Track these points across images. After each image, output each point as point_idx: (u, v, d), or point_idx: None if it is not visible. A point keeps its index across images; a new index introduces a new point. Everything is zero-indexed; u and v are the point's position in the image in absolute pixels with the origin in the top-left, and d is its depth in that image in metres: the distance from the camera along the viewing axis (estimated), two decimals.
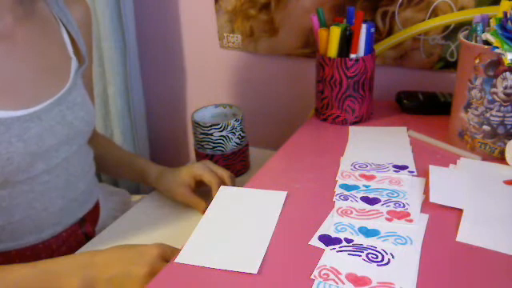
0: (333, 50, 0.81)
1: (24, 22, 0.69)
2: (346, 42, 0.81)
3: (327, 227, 0.58)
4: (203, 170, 0.80)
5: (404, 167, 0.70)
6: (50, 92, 0.70)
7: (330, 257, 0.53)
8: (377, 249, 0.53)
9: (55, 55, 0.73)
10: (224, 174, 0.80)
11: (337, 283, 0.49)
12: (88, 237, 0.80)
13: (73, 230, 0.77)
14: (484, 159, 0.71)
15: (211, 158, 0.87)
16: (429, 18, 0.89)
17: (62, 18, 0.75)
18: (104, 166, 0.92)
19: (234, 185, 0.80)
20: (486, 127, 0.70)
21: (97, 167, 0.86)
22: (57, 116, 0.69)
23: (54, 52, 0.73)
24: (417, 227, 0.57)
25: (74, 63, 0.75)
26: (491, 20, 0.68)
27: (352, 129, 0.84)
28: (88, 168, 0.81)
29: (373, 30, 0.82)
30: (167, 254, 0.62)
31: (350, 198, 0.63)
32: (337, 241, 0.55)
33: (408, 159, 0.72)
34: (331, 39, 0.81)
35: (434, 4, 0.88)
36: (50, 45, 0.73)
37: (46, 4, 0.74)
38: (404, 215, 0.59)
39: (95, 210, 0.84)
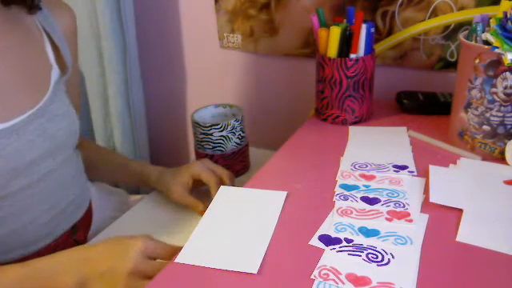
0: (333, 50, 0.81)
1: (1, 31, 0.66)
2: (346, 42, 0.81)
3: (327, 227, 0.58)
4: (201, 169, 0.79)
5: (404, 167, 0.70)
6: (28, 104, 0.66)
7: (330, 257, 0.53)
8: (377, 249, 0.53)
9: (35, 65, 0.69)
10: (223, 173, 0.79)
11: (337, 283, 0.49)
12: (80, 244, 0.77)
13: (64, 240, 0.75)
14: (484, 159, 0.71)
15: (211, 158, 0.87)
16: (429, 18, 0.89)
17: (46, 26, 0.72)
18: (98, 173, 0.90)
19: (233, 184, 0.80)
20: (486, 127, 0.70)
21: (90, 175, 0.85)
22: (37, 129, 0.66)
23: (33, 62, 0.69)
24: (417, 227, 0.57)
25: (56, 72, 0.72)
26: (491, 20, 0.68)
27: (352, 129, 0.84)
28: (78, 176, 0.78)
29: (373, 30, 0.82)
30: (149, 250, 0.60)
31: (350, 198, 0.63)
32: (337, 241, 0.55)
33: (408, 159, 0.72)
34: (331, 39, 0.81)
35: (434, 4, 0.88)
36: (30, 54, 0.69)
37: (24, 12, 0.69)
38: (404, 215, 0.59)
39: (87, 216, 0.81)
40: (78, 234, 0.79)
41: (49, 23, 0.73)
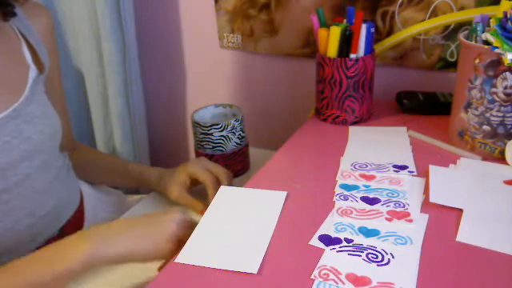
0: (333, 50, 0.81)
1: None
2: (346, 42, 0.81)
3: (327, 227, 0.58)
4: (197, 169, 0.78)
5: (404, 167, 0.70)
6: (3, 105, 0.65)
7: (330, 257, 0.53)
8: (377, 249, 0.53)
9: (10, 66, 0.68)
10: (220, 171, 0.78)
11: (337, 283, 0.49)
12: None
13: None
14: (484, 159, 0.71)
15: (211, 157, 0.87)
16: (429, 18, 0.89)
17: (21, 28, 0.71)
18: (97, 177, 0.89)
19: (230, 182, 0.79)
20: (486, 127, 0.70)
21: (90, 178, 0.83)
22: (12, 131, 0.64)
23: (8, 63, 0.68)
24: (417, 227, 0.57)
25: (33, 72, 0.70)
26: (491, 20, 0.68)
27: (352, 129, 0.84)
28: (62, 180, 0.76)
29: (373, 30, 0.82)
30: (186, 224, 0.61)
31: (350, 198, 0.63)
32: (337, 241, 0.55)
33: (408, 159, 0.72)
34: (331, 39, 0.81)
35: (434, 4, 0.88)
36: (5, 56, 0.68)
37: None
38: (404, 215, 0.59)
39: (77, 219, 0.80)
40: None
41: (24, 25, 0.71)
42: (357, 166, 0.71)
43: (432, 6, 0.88)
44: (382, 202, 0.62)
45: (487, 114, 0.69)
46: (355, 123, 0.86)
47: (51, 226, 0.75)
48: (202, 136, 0.87)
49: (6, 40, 0.69)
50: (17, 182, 0.67)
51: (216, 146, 0.87)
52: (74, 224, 0.80)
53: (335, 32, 0.80)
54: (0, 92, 0.65)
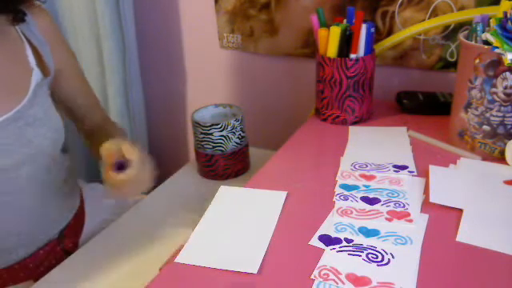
0: (333, 50, 0.81)
1: None
2: (346, 42, 0.81)
3: (327, 227, 0.58)
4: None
5: (404, 167, 0.70)
6: (4, 108, 0.65)
7: (330, 257, 0.53)
8: (377, 249, 0.53)
9: (12, 70, 0.68)
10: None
11: (337, 283, 0.49)
12: (69, 253, 0.75)
13: (51, 248, 0.74)
14: (484, 159, 0.71)
15: (211, 157, 0.87)
16: (429, 18, 0.89)
17: (26, 31, 0.71)
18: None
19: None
20: (485, 127, 0.70)
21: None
22: (13, 134, 0.64)
23: (11, 67, 0.68)
24: (417, 227, 0.57)
25: (36, 75, 0.70)
26: (491, 20, 0.68)
27: (352, 129, 0.84)
28: (62, 183, 0.76)
29: (373, 30, 0.81)
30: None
31: (350, 198, 0.63)
32: (337, 241, 0.55)
33: (408, 159, 0.72)
34: (331, 39, 0.81)
35: (434, 4, 0.88)
36: (7, 60, 0.68)
37: (5, 19, 0.69)
38: (404, 215, 0.59)
39: (77, 222, 0.80)
40: (66, 242, 0.77)
41: (28, 28, 0.71)
42: (357, 166, 0.71)
43: (432, 6, 0.88)
44: (382, 202, 0.62)
45: (487, 114, 0.69)
46: (355, 123, 0.86)
47: (50, 229, 0.75)
48: (202, 136, 0.87)
49: (10, 43, 0.69)
50: (17, 184, 0.66)
51: (216, 146, 0.87)
52: (74, 226, 0.80)
53: (335, 32, 0.80)
54: (1, 94, 0.65)
